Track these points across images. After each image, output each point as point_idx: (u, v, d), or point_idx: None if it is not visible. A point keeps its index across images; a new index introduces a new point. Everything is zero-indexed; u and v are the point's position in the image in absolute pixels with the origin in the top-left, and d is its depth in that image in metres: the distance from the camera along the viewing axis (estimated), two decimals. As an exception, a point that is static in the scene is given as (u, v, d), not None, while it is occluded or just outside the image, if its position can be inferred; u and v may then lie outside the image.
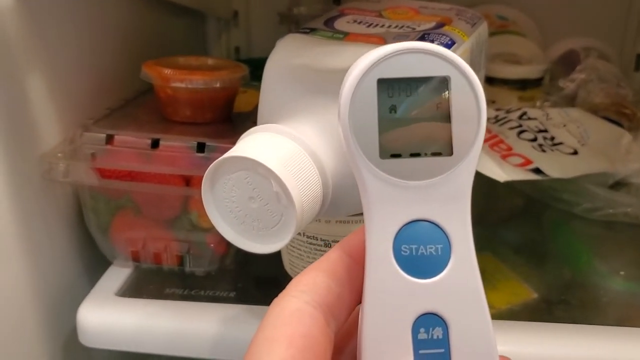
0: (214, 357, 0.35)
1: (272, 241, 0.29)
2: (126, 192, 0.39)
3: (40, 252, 0.38)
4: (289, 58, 0.34)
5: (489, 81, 0.61)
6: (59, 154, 0.37)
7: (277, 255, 0.39)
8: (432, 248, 0.20)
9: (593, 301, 0.41)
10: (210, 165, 0.28)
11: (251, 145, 0.29)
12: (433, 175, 0.19)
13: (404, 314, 0.19)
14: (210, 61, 0.44)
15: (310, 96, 0.32)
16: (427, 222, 0.19)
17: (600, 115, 0.55)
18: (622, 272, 0.43)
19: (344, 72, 0.33)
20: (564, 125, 0.50)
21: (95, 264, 0.42)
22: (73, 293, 0.40)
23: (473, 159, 0.19)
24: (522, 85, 0.60)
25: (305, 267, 0.37)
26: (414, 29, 0.37)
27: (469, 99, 0.19)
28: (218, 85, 0.40)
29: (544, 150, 0.47)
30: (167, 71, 0.40)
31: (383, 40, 0.35)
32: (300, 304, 0.19)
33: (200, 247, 0.39)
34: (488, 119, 0.52)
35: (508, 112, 0.52)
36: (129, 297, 0.38)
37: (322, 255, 0.36)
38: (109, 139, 0.37)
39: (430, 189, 0.19)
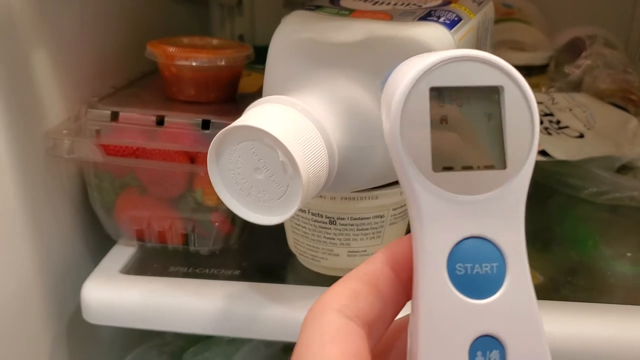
0: (218, 334, 0.35)
1: (277, 213, 0.29)
2: (131, 170, 0.38)
3: (45, 230, 0.38)
4: (294, 32, 0.34)
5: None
6: (64, 131, 0.37)
7: (282, 235, 0.39)
8: (487, 267, 0.18)
9: (599, 284, 0.41)
10: (216, 136, 0.28)
11: (257, 115, 0.28)
12: (486, 190, 0.18)
13: (461, 336, 0.18)
14: (214, 41, 0.44)
15: (316, 69, 0.32)
16: (481, 239, 0.18)
17: (606, 101, 0.54)
18: (629, 254, 0.43)
19: (350, 46, 0.33)
20: (570, 110, 0.50)
21: (100, 242, 0.42)
22: (78, 271, 0.40)
23: (527, 172, 0.18)
24: (527, 71, 0.60)
25: (310, 245, 0.37)
26: (420, 6, 0.37)
27: (522, 109, 0.18)
28: (223, 63, 0.40)
29: (549, 134, 0.47)
30: (172, 49, 0.40)
31: (389, 16, 0.35)
32: (345, 320, 0.18)
33: (204, 225, 0.39)
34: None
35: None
36: (134, 275, 0.38)
37: (326, 232, 0.36)
38: (114, 116, 0.37)
39: (484, 203, 0.18)
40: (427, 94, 0.18)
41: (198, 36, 0.44)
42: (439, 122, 0.18)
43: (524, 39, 0.64)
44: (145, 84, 0.44)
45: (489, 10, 0.41)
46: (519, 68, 0.54)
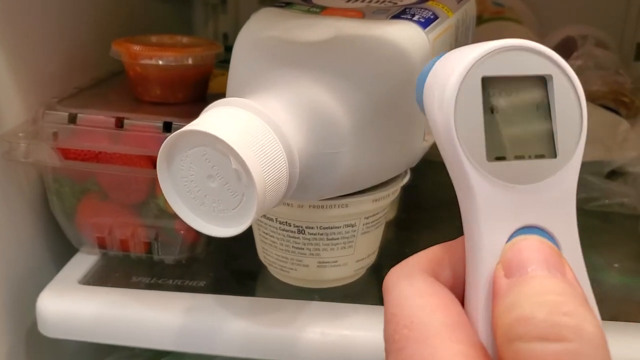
0: (178, 349, 0.33)
1: (233, 224, 0.27)
2: (91, 175, 0.37)
3: (1, 237, 0.36)
4: (260, 31, 0.32)
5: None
6: (21, 134, 0.35)
7: (253, 243, 0.37)
8: None
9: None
10: (165, 141, 0.26)
11: (210, 119, 0.26)
12: (538, 179, 0.18)
13: None
14: (185, 39, 0.42)
15: (281, 70, 0.30)
16: (536, 229, 0.18)
17: (597, 104, 0.52)
18: (616, 265, 0.41)
19: (316, 45, 0.31)
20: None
21: (63, 250, 0.40)
22: (37, 281, 0.38)
23: (577, 161, 0.19)
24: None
25: (278, 255, 0.36)
26: (395, 3, 0.35)
27: (571, 98, 0.19)
28: (190, 62, 0.38)
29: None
30: (137, 47, 0.38)
31: (362, 14, 0.33)
32: (432, 278, 0.20)
33: (169, 233, 0.37)
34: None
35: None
36: (93, 285, 0.36)
37: (294, 241, 0.34)
38: (72, 119, 0.35)
39: (536, 192, 0.18)
40: (479, 83, 0.18)
41: (169, 34, 0.42)
42: (490, 112, 0.18)
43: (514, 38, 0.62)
44: (113, 84, 0.42)
45: (470, 7, 0.39)
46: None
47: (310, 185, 0.30)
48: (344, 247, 0.35)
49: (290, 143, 0.27)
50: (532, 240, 0.18)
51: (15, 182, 0.37)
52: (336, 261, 0.35)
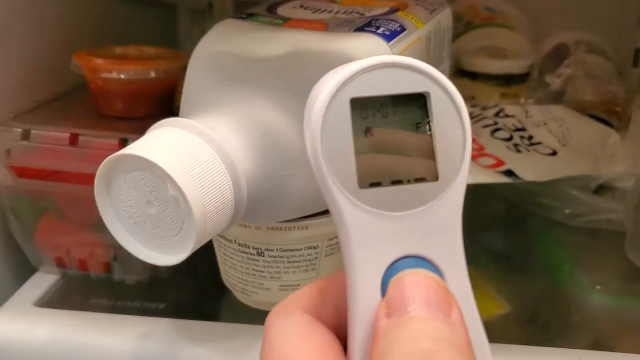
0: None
1: (174, 251, 0.25)
2: (48, 193, 0.35)
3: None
4: (215, 45, 0.31)
5: (472, 76, 0.57)
6: (-27, 151, 0.34)
7: (217, 264, 0.36)
8: None
9: (571, 316, 0.38)
10: (102, 164, 0.25)
11: (149, 142, 0.25)
12: (419, 204, 0.17)
13: None
14: (151, 51, 0.41)
15: (231, 87, 0.29)
16: (417, 259, 0.17)
17: (588, 114, 0.51)
18: (597, 287, 0.39)
19: (271, 61, 0.29)
20: (544, 124, 0.46)
21: (23, 269, 0.39)
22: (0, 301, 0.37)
23: (461, 183, 0.17)
24: (506, 81, 0.56)
25: (239, 278, 0.34)
26: (362, 14, 0.33)
27: (452, 116, 0.17)
28: (152, 75, 0.37)
29: (519, 151, 0.43)
30: (96, 61, 0.36)
31: (325, 26, 0.32)
32: (311, 318, 0.18)
33: (128, 253, 0.36)
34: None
35: (484, 109, 0.48)
36: (49, 307, 0.35)
37: (254, 264, 0.33)
38: (26, 135, 0.34)
39: (417, 219, 0.17)
40: (347, 105, 0.17)
41: (135, 45, 0.41)
42: (363, 135, 0.17)
43: (505, 46, 0.60)
44: (77, 98, 0.41)
45: (444, 18, 0.37)
46: (497, 77, 0.50)
47: (264, 208, 0.29)
48: (307, 270, 0.33)
49: (236, 165, 0.26)
50: (416, 275, 0.17)
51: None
52: (299, 284, 0.33)
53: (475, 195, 0.43)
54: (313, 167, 0.17)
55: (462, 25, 0.62)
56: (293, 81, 0.28)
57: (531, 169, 0.42)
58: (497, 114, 0.47)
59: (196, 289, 0.38)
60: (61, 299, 0.36)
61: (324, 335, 0.18)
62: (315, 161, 0.17)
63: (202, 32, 0.72)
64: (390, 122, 0.17)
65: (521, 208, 0.46)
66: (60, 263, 0.37)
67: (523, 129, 0.46)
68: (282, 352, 0.17)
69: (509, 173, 0.41)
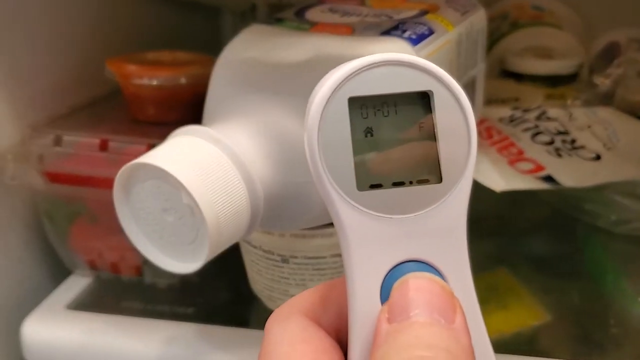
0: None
1: (190, 259, 0.25)
2: (80, 198, 0.36)
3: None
4: (240, 51, 0.31)
5: (517, 77, 0.55)
6: (9, 156, 0.35)
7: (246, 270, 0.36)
8: None
9: (614, 329, 0.36)
10: (120, 171, 0.25)
11: (165, 151, 0.25)
12: (421, 207, 0.16)
13: None
14: (184, 56, 0.41)
15: (253, 94, 0.28)
16: (419, 263, 0.17)
17: (638, 116, 0.48)
18: (641, 299, 0.37)
19: (293, 67, 0.29)
20: (589, 127, 0.44)
21: (61, 272, 0.39)
22: (35, 303, 0.38)
23: (466, 185, 0.17)
24: (552, 82, 0.54)
25: (265, 284, 0.34)
26: (391, 17, 0.33)
27: (456, 116, 0.17)
28: (183, 81, 0.37)
29: (560, 155, 0.41)
30: (128, 67, 0.37)
31: (351, 30, 0.31)
32: (311, 322, 0.18)
33: (158, 258, 0.36)
34: (502, 119, 0.47)
35: (525, 111, 0.46)
36: (81, 310, 0.36)
37: (279, 270, 0.32)
38: (58, 140, 0.35)
39: (419, 223, 0.17)
40: (345, 105, 0.16)
41: (168, 50, 0.41)
42: (362, 135, 0.16)
43: (553, 45, 0.58)
44: (113, 103, 0.41)
45: (477, 20, 0.36)
46: (543, 78, 0.48)
47: (285, 216, 0.28)
48: (332, 278, 0.33)
49: (252, 174, 0.26)
50: (421, 279, 0.16)
51: (8, 202, 0.37)
52: (324, 292, 0.33)
53: (516, 200, 0.42)
54: (311, 169, 0.17)
55: (508, 25, 0.60)
56: (313, 88, 0.28)
57: (572, 174, 0.40)
58: (538, 117, 0.45)
59: (226, 294, 0.38)
60: (94, 301, 0.37)
61: (323, 340, 0.17)
62: (313, 163, 0.16)
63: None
64: (391, 121, 0.16)
65: (564, 214, 0.44)
66: (93, 266, 0.38)
67: (566, 133, 0.44)
68: (280, 356, 0.17)
69: (549, 179, 0.39)
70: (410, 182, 0.16)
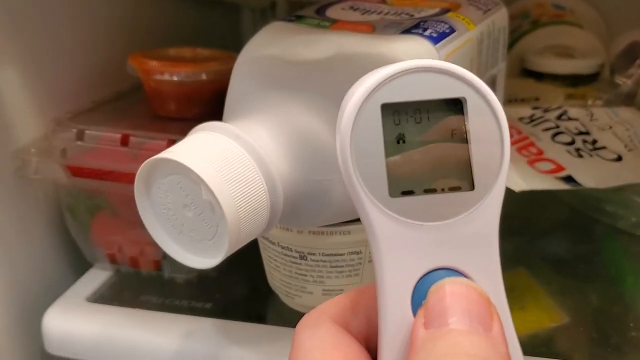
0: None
1: (210, 255, 0.26)
2: (101, 192, 0.36)
3: (15, 252, 0.36)
4: (260, 48, 0.31)
5: (538, 76, 0.55)
6: (32, 150, 0.36)
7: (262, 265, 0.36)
8: None
9: (634, 332, 0.36)
10: (141, 167, 0.25)
11: (185, 146, 0.25)
12: (453, 215, 0.17)
13: None
14: (205, 52, 0.41)
15: (273, 91, 0.28)
16: (451, 271, 0.17)
17: (660, 117, 0.48)
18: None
19: (313, 64, 0.29)
20: (610, 127, 0.44)
21: (82, 265, 0.40)
22: (55, 295, 0.39)
23: (498, 192, 0.17)
24: (573, 81, 0.53)
25: (283, 280, 0.34)
26: (412, 15, 0.33)
27: (489, 122, 0.16)
28: (204, 77, 0.37)
29: (580, 156, 0.41)
30: (150, 63, 0.37)
31: (372, 27, 0.31)
32: (340, 328, 0.18)
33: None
34: (522, 119, 0.46)
35: (546, 111, 0.46)
36: (101, 303, 0.36)
37: (297, 267, 0.33)
38: (80, 135, 0.35)
39: (450, 230, 0.17)
40: (378, 111, 0.16)
41: (189, 47, 0.42)
42: (395, 142, 0.16)
43: (574, 44, 0.57)
44: (135, 98, 0.42)
45: (499, 18, 0.36)
46: (564, 77, 0.48)
47: (303, 213, 0.28)
48: (350, 275, 0.33)
49: (272, 170, 0.26)
50: (458, 285, 0.16)
51: (31, 196, 0.38)
52: (342, 290, 0.33)
53: (535, 200, 0.42)
54: (343, 175, 0.17)
55: (529, 24, 0.60)
56: (334, 85, 0.28)
57: (593, 175, 0.40)
58: (559, 117, 0.45)
59: (243, 290, 0.38)
60: (113, 295, 0.37)
61: (352, 347, 0.17)
62: (345, 169, 0.16)
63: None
64: (424, 128, 0.16)
65: (584, 215, 0.44)
66: (113, 260, 0.38)
67: (587, 133, 0.43)
68: (309, 358, 0.17)
69: (569, 179, 0.39)
70: (442, 189, 0.16)
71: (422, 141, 0.16)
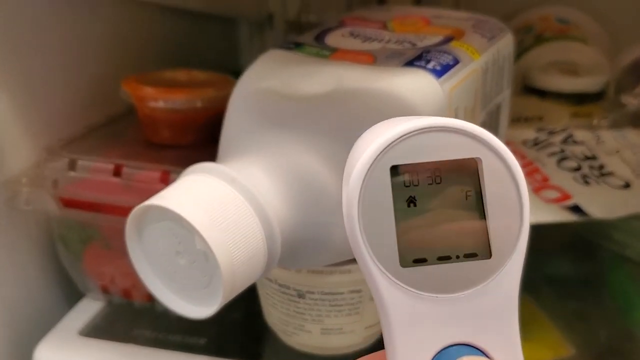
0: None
1: (204, 303, 0.25)
2: (93, 223, 0.35)
3: (6, 283, 0.35)
4: (258, 80, 0.29)
5: (541, 94, 0.54)
6: (23, 180, 0.34)
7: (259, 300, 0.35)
8: None
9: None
10: (132, 212, 0.24)
11: (178, 191, 0.24)
12: (469, 285, 0.15)
13: None
14: (201, 76, 0.40)
15: (271, 129, 0.27)
16: (467, 347, 0.15)
17: (668, 138, 0.47)
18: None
19: (312, 100, 0.28)
20: (617, 152, 0.43)
21: (74, 294, 0.39)
22: (47, 325, 0.37)
23: (518, 260, 0.15)
24: (578, 99, 0.52)
25: (280, 318, 0.33)
26: (414, 44, 0.32)
27: (506, 184, 0.15)
28: (199, 104, 0.36)
29: (587, 182, 0.40)
30: (144, 89, 0.36)
31: (373, 58, 0.30)
32: None
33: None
34: (526, 142, 0.45)
35: (550, 133, 0.45)
36: (94, 336, 0.35)
37: (295, 305, 0.31)
38: (72, 165, 0.34)
39: (467, 303, 0.15)
40: (387, 174, 0.15)
41: (185, 70, 0.40)
42: (406, 205, 0.15)
43: (579, 60, 0.56)
44: (128, 123, 0.40)
45: (504, 45, 0.35)
46: (568, 96, 0.47)
47: (302, 255, 0.27)
48: (350, 314, 0.32)
49: (270, 215, 0.25)
50: None
51: (22, 225, 0.37)
52: (341, 328, 0.32)
53: (540, 224, 0.41)
54: (350, 243, 0.16)
55: (533, 38, 0.58)
56: (335, 123, 0.27)
57: (600, 203, 0.38)
58: (564, 141, 0.44)
59: (239, 325, 0.37)
60: (106, 328, 0.36)
61: None
62: (353, 237, 0.15)
63: (263, 44, 0.72)
64: (436, 191, 0.15)
65: (590, 242, 0.43)
66: (105, 291, 0.37)
67: (593, 158, 0.42)
68: None
69: (576, 209, 0.38)
70: (457, 257, 0.15)
71: (435, 205, 0.15)
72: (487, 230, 0.15)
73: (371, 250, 0.15)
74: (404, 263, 0.15)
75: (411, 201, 0.15)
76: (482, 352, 0.15)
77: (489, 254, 0.15)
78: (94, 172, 0.34)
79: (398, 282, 0.15)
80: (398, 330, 0.15)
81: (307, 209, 0.26)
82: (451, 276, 0.15)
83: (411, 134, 0.15)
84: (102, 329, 0.36)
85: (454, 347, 0.15)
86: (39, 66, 0.37)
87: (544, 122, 0.51)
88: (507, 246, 0.15)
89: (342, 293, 0.31)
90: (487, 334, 0.15)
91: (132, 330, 0.36)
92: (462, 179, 0.15)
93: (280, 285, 0.31)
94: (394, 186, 0.15)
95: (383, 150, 0.15)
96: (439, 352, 0.15)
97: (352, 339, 0.32)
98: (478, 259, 0.15)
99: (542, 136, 0.45)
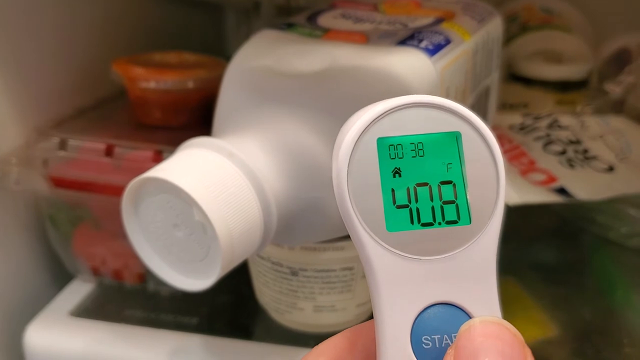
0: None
1: (201, 276, 0.25)
2: (84, 203, 0.35)
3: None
4: (252, 58, 0.30)
5: (526, 82, 0.54)
6: (13, 160, 0.34)
7: (251, 279, 0.35)
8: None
9: (625, 346, 0.35)
10: (129, 185, 0.24)
11: (176, 164, 0.24)
12: (450, 249, 0.17)
13: None
14: (191, 58, 0.40)
15: (265, 105, 0.28)
16: (449, 306, 0.17)
17: (650, 125, 0.48)
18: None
19: (306, 77, 0.28)
20: (601, 137, 0.44)
21: (63, 276, 0.39)
22: (36, 307, 0.37)
23: (495, 226, 0.17)
24: (563, 87, 0.53)
25: (272, 296, 0.33)
26: (406, 25, 0.32)
27: (484, 157, 0.17)
28: (191, 85, 0.36)
29: (572, 166, 0.41)
30: (135, 70, 0.36)
31: (365, 38, 0.30)
32: None
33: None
34: (512, 127, 0.46)
35: (536, 119, 0.45)
36: (85, 317, 0.35)
37: (288, 283, 0.32)
38: (63, 145, 0.34)
39: (448, 264, 0.17)
40: (374, 146, 0.16)
41: (175, 52, 0.40)
42: (391, 176, 0.16)
43: (563, 49, 0.57)
44: (118, 105, 0.40)
45: (493, 28, 0.35)
46: (553, 83, 0.48)
47: (297, 230, 0.28)
48: (342, 292, 0.32)
49: (266, 189, 0.25)
50: (490, 325, 0.15)
51: (11, 205, 0.36)
52: (333, 305, 0.32)
53: (525, 208, 0.41)
54: (340, 211, 0.17)
55: (517, 28, 0.59)
56: (329, 100, 0.27)
57: (585, 186, 0.39)
58: (550, 125, 0.45)
59: (230, 304, 0.37)
60: (96, 308, 0.36)
61: None
62: (342, 204, 0.16)
63: (249, 31, 0.71)
64: (419, 162, 0.17)
65: (573, 224, 0.44)
66: (96, 272, 0.37)
67: (578, 142, 0.43)
68: None
69: (562, 191, 0.38)
70: (439, 223, 0.16)
71: (419, 175, 0.16)
72: (466, 199, 0.17)
73: (360, 217, 0.16)
74: (389, 228, 0.16)
75: (396, 172, 0.16)
76: (463, 311, 0.16)
77: (468, 220, 0.16)
78: (85, 152, 0.34)
79: (385, 244, 0.16)
80: (384, 291, 0.16)
81: (301, 183, 0.26)
82: (434, 240, 0.16)
83: (396, 109, 0.16)
84: (93, 310, 0.36)
85: (437, 306, 0.16)
86: (30, 48, 0.37)
87: (529, 109, 0.52)
88: (486, 213, 0.17)
89: (334, 270, 0.31)
90: (467, 292, 0.16)
91: (124, 310, 0.36)
92: (443, 151, 0.17)
93: (273, 263, 0.32)
94: (380, 157, 0.16)
95: (371, 123, 0.16)
96: (422, 311, 0.16)
97: (344, 316, 0.33)
98: (458, 225, 0.16)
99: (528, 121, 0.46)
